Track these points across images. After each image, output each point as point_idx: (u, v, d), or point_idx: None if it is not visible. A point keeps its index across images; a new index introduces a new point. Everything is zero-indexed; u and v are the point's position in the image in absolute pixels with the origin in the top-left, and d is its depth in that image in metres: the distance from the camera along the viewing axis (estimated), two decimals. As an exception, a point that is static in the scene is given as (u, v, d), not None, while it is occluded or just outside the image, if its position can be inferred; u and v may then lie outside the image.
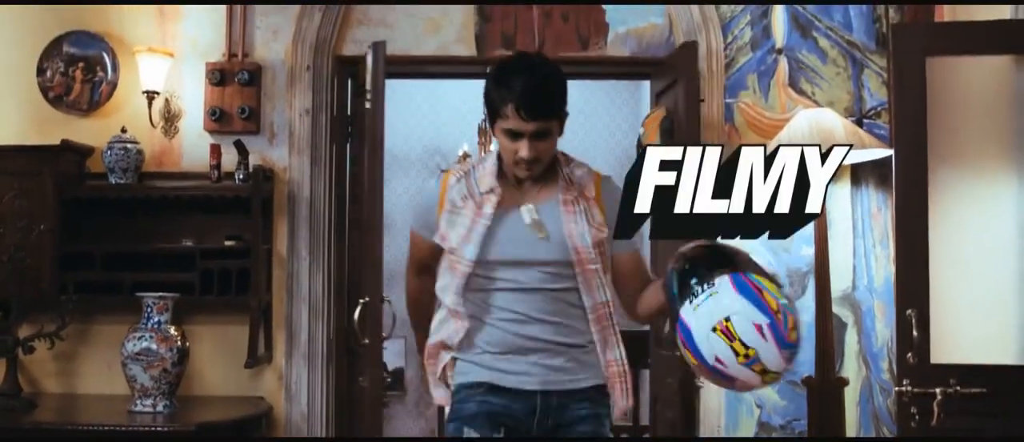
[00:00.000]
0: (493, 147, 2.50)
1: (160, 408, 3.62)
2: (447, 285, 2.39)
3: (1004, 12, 3.61)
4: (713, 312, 1.98)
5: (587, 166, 2.48)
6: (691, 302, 2.01)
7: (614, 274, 2.46)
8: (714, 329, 1.97)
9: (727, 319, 1.96)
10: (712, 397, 4.00)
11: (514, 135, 2.30)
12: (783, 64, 4.11)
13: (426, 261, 2.50)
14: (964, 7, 3.92)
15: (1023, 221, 3.48)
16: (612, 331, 2.40)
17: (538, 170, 2.37)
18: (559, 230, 2.36)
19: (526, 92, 2.27)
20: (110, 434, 3.47)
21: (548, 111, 2.30)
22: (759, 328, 1.95)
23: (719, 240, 2.14)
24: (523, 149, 2.30)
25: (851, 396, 4.05)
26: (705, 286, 2.01)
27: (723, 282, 2.00)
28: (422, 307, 2.59)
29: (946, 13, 4.03)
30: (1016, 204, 3.50)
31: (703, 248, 2.13)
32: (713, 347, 1.97)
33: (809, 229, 3.82)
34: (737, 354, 1.97)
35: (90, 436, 3.46)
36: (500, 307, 2.36)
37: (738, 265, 2.05)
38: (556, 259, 2.35)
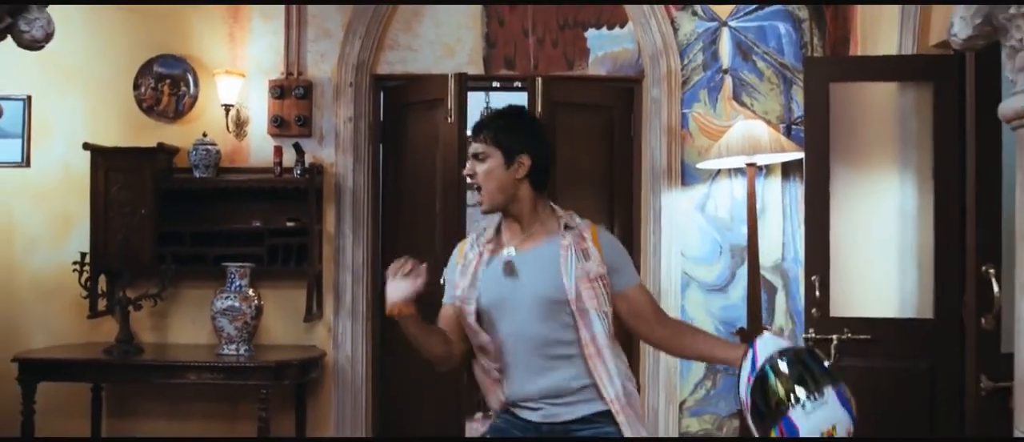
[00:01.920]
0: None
1: (242, 352, 4.64)
2: (473, 341, 2.51)
3: (892, 47, 4.59)
4: (823, 420, 2.17)
5: (581, 219, 2.61)
6: (804, 408, 2.18)
7: (627, 309, 2.54)
8: (821, 432, 2.17)
9: (833, 427, 2.17)
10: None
11: (470, 157, 2.51)
12: (728, 81, 5.06)
13: (447, 327, 2.54)
14: (871, 41, 4.89)
15: (903, 208, 4.41)
16: (603, 365, 2.45)
17: (488, 201, 2.50)
18: (553, 271, 2.45)
19: (478, 121, 2.56)
20: (222, 367, 4.50)
21: (482, 131, 2.47)
22: (849, 431, 2.20)
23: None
24: (469, 166, 2.49)
25: (779, 344, 5.05)
26: (815, 396, 2.19)
27: (830, 394, 2.20)
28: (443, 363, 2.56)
29: (859, 38, 5.01)
30: (898, 195, 4.43)
31: (807, 354, 2.33)
32: None
33: (745, 213, 4.84)
34: None
35: (207, 367, 4.49)
36: (509, 353, 2.48)
37: (835, 378, 2.26)
38: (546, 297, 2.44)
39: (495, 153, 2.46)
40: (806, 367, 2.24)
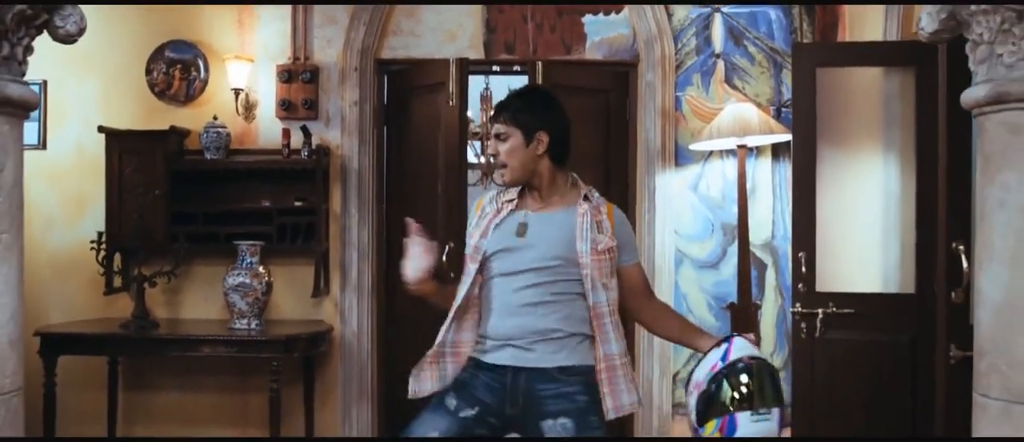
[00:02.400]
0: None
1: (253, 326, 4.84)
2: (465, 271, 2.70)
3: (878, 23, 4.76)
4: (761, 432, 2.42)
5: (599, 195, 2.78)
6: (752, 416, 2.43)
7: (623, 284, 2.70)
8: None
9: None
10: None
11: (493, 137, 2.70)
12: (720, 65, 5.24)
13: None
14: (858, 26, 5.06)
15: (887, 189, 4.60)
16: (610, 328, 2.60)
17: (511, 176, 2.67)
18: (568, 235, 2.61)
19: (505, 100, 2.74)
20: (234, 340, 4.71)
21: (504, 111, 2.67)
22: None
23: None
24: (490, 145, 2.70)
25: (769, 319, 5.23)
26: (763, 412, 2.43)
27: (776, 415, 2.46)
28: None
29: (847, 25, 5.18)
30: (882, 176, 4.62)
31: (769, 374, 2.50)
32: None
33: (736, 193, 5.03)
34: None
35: (220, 341, 4.69)
36: (496, 296, 2.65)
37: (783, 403, 2.49)
38: (553, 256, 2.60)
39: (515, 132, 2.65)
40: (768, 382, 2.46)
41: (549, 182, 2.72)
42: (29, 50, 2.45)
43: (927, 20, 2.51)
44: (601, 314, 2.60)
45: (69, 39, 2.51)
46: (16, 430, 2.40)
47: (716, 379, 2.47)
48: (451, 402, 2.65)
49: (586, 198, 2.70)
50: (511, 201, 2.72)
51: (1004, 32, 2.27)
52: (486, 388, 2.62)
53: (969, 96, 2.39)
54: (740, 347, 2.53)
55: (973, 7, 2.33)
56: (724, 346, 2.55)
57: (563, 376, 2.58)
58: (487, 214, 2.73)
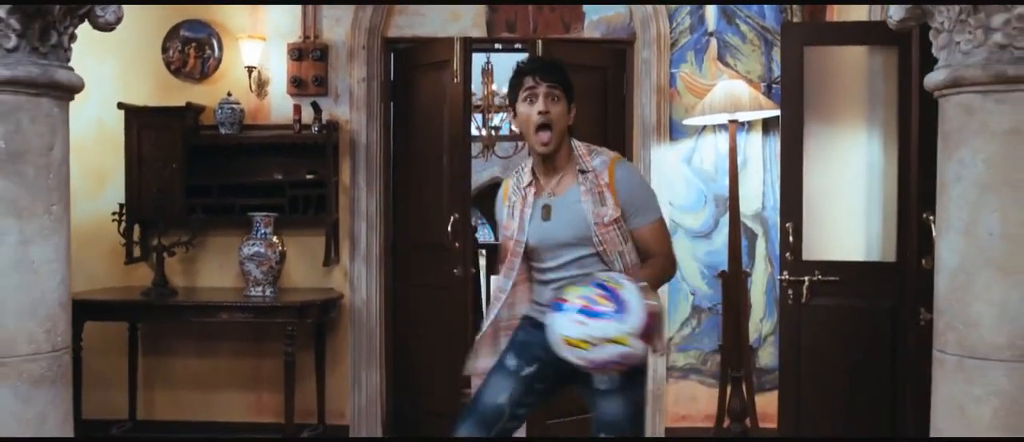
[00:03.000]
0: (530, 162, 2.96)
1: (268, 293, 5.09)
2: (510, 264, 2.91)
3: (864, 13, 4.97)
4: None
5: (606, 154, 2.87)
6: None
7: (637, 243, 2.85)
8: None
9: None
10: (659, 287, 5.45)
11: (531, 99, 2.76)
12: (713, 43, 5.45)
13: (506, 254, 2.95)
14: (846, 7, 5.26)
15: (871, 162, 4.82)
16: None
17: (555, 142, 2.77)
18: (579, 214, 2.79)
19: (537, 62, 2.93)
20: (251, 306, 4.96)
21: (556, 74, 2.80)
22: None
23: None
24: (539, 104, 2.73)
25: (759, 286, 5.48)
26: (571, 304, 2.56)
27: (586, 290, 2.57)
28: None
29: (835, 11, 5.38)
30: (866, 150, 4.84)
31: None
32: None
33: (728, 166, 5.26)
34: None
35: (237, 307, 4.95)
36: (539, 274, 2.91)
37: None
38: (575, 236, 2.78)
39: (563, 97, 2.82)
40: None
41: (566, 152, 2.86)
42: (73, 38, 2.67)
43: (895, 9, 2.74)
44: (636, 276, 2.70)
45: (108, 27, 2.74)
46: (66, 384, 2.65)
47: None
48: (511, 362, 2.89)
49: (582, 171, 2.81)
50: (530, 186, 2.88)
51: (961, 22, 2.50)
52: (542, 346, 2.71)
53: (930, 80, 2.62)
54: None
55: (935, -2, 2.55)
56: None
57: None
58: (515, 204, 2.90)
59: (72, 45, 2.69)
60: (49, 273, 2.56)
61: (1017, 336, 2.43)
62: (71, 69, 2.65)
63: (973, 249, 2.50)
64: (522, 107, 2.79)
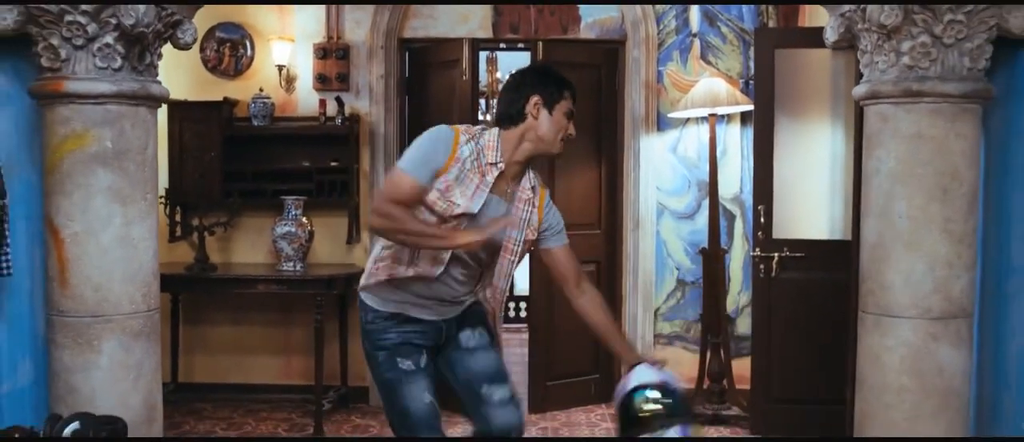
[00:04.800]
0: (490, 132, 2.88)
1: (298, 268, 5.71)
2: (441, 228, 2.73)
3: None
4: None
5: (540, 178, 3.00)
6: (654, 432, 2.66)
7: (554, 265, 2.98)
8: None
9: None
10: (647, 259, 6.07)
11: (569, 115, 2.88)
12: (697, 44, 6.04)
13: (407, 201, 2.72)
14: (817, 8, 5.81)
15: (833, 152, 5.38)
16: (499, 309, 2.99)
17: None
18: (520, 225, 2.86)
19: (574, 90, 2.94)
20: (284, 279, 5.57)
21: (574, 92, 2.94)
22: None
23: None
24: (572, 127, 2.89)
25: (737, 262, 6.07)
26: (666, 429, 2.65)
27: (676, 431, 2.65)
28: (391, 233, 2.82)
29: (807, 13, 5.96)
30: (829, 140, 5.41)
31: (672, 392, 2.73)
32: None
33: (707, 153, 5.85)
34: None
35: (273, 280, 5.55)
36: (440, 263, 2.81)
37: (688, 418, 2.69)
38: (501, 243, 2.84)
39: None
40: (669, 400, 2.71)
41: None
42: (160, 56, 3.28)
43: (830, 32, 3.35)
44: (500, 301, 2.96)
45: (186, 47, 3.35)
46: (156, 338, 3.28)
47: (625, 405, 2.75)
48: (408, 364, 2.90)
49: (533, 187, 2.92)
50: (494, 168, 2.80)
51: (879, 46, 3.11)
52: (422, 334, 2.94)
53: (856, 92, 3.24)
54: (640, 375, 2.77)
55: (860, 25, 3.16)
56: (627, 375, 2.81)
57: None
58: (469, 174, 2.76)
59: (158, 63, 3.29)
60: (145, 248, 3.19)
61: (919, 298, 3.06)
62: (160, 82, 3.27)
63: (887, 229, 3.12)
64: (559, 117, 2.85)
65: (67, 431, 2.38)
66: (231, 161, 5.92)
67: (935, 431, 3.06)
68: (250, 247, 6.13)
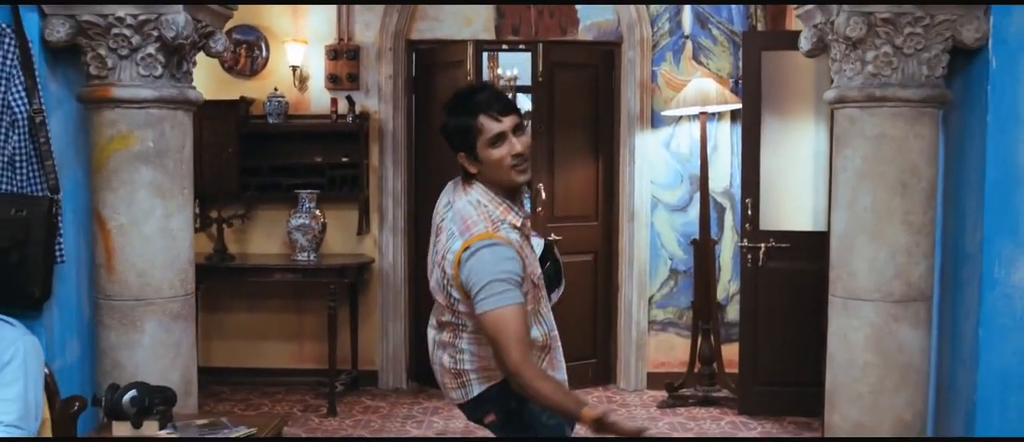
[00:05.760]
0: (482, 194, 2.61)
1: (312, 257, 6.04)
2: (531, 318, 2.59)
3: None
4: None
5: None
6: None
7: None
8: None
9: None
10: (642, 249, 6.39)
11: (497, 139, 2.50)
12: (689, 45, 6.35)
13: (525, 329, 2.46)
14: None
15: (817, 148, 5.72)
16: None
17: (529, 173, 2.57)
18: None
19: (489, 98, 2.54)
20: (299, 268, 5.91)
21: (513, 106, 2.56)
22: None
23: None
24: (515, 144, 2.50)
25: (727, 252, 6.39)
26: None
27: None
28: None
29: (793, 18, 6.26)
30: (813, 137, 5.75)
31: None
32: None
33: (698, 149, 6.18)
34: None
35: (288, 269, 5.90)
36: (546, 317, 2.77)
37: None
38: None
39: (523, 123, 2.59)
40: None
41: None
42: (195, 64, 3.61)
43: (803, 43, 3.67)
44: None
45: (218, 56, 3.69)
46: (192, 320, 3.62)
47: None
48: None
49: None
50: (518, 215, 2.62)
51: (846, 55, 3.44)
52: None
53: (826, 96, 3.57)
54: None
55: (830, 36, 3.49)
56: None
57: None
58: (522, 245, 2.62)
59: (193, 69, 3.62)
60: (182, 238, 3.53)
61: (882, 283, 3.39)
62: (195, 88, 3.60)
63: (853, 220, 3.45)
64: (489, 153, 2.55)
65: (126, 398, 2.72)
66: (247, 157, 6.24)
67: (896, 403, 3.39)
68: (265, 238, 6.46)
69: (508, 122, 2.54)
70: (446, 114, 2.61)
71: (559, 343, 2.79)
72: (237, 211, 6.22)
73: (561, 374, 2.76)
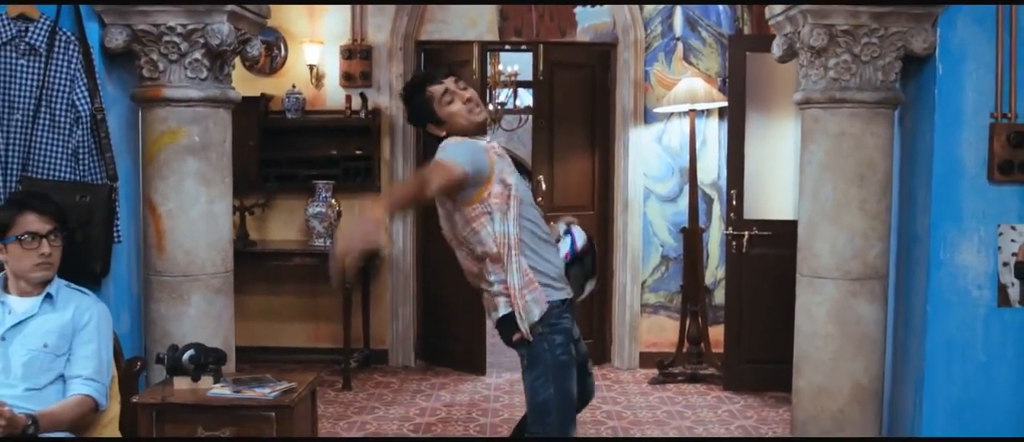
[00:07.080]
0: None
1: (328, 243, 6.48)
2: (508, 221, 3.03)
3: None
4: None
5: None
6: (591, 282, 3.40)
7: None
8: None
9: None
10: (635, 237, 6.84)
11: (446, 94, 3.11)
12: (680, 46, 6.78)
13: (449, 188, 2.97)
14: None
15: (796, 144, 6.09)
16: None
17: (483, 110, 3.20)
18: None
19: (425, 74, 3.30)
20: (316, 253, 6.36)
21: (448, 70, 3.24)
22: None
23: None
24: (463, 93, 3.11)
25: (715, 240, 6.84)
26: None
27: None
28: (416, 204, 3.44)
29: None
30: (793, 133, 6.16)
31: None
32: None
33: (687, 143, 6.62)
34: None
35: (307, 254, 6.35)
36: (531, 236, 3.11)
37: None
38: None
39: (466, 85, 3.22)
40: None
41: None
42: (234, 67, 4.06)
43: (776, 49, 4.12)
44: None
45: (253, 60, 4.14)
46: (230, 294, 4.07)
47: (578, 260, 3.31)
48: (566, 356, 3.12)
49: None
50: (495, 148, 3.12)
51: (811, 62, 3.88)
52: (571, 322, 3.19)
53: (794, 97, 4.02)
54: (579, 235, 3.37)
55: (797, 45, 3.94)
56: (569, 238, 3.35)
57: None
58: (503, 157, 3.10)
59: (232, 71, 4.06)
60: (223, 221, 3.98)
61: (841, 263, 3.84)
62: (234, 89, 4.05)
63: (816, 208, 3.90)
64: (451, 109, 3.14)
65: (186, 357, 3.17)
66: (267, 149, 6.70)
67: (854, 368, 3.85)
68: (283, 225, 6.92)
69: (449, 82, 3.14)
70: (405, 105, 3.26)
71: (551, 244, 3.23)
72: (258, 200, 6.66)
73: (552, 269, 3.18)
